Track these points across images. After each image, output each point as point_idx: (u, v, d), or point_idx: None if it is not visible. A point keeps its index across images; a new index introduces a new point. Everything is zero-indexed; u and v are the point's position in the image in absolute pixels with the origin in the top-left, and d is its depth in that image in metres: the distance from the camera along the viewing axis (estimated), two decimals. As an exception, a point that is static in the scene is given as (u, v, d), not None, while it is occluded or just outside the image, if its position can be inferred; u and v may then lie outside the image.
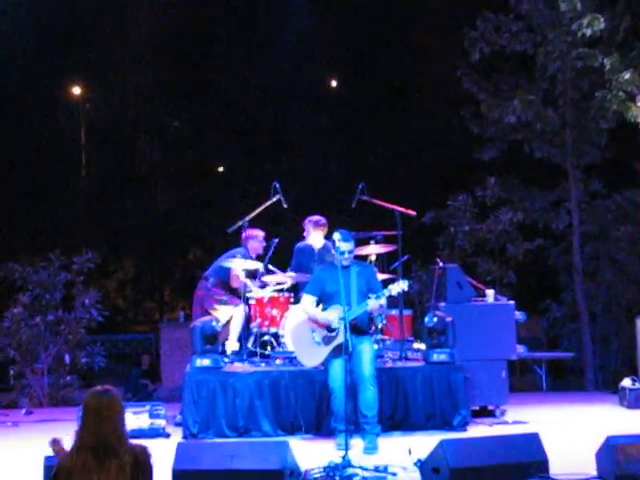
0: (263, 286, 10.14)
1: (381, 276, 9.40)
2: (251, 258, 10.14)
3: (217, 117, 22.14)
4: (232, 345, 9.94)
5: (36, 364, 13.06)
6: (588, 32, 13.05)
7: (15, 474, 6.51)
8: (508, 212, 15.58)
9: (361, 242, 9.68)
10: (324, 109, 22.21)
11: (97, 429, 4.34)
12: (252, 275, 10.15)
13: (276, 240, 10.28)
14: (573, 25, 13.27)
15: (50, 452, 4.50)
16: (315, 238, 10.36)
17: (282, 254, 10.52)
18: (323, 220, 10.41)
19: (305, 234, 10.53)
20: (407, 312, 10.50)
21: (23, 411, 11.59)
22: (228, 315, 9.97)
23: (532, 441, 6.58)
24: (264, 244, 10.35)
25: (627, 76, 12.95)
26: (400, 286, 8.15)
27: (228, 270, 10.06)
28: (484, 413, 9.93)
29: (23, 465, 7.07)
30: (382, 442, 8.08)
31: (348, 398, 7.68)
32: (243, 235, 10.26)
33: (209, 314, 9.94)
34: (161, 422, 9.01)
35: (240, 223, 10.05)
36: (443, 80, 18.20)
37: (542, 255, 16.36)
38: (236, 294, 10.15)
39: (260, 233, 10.38)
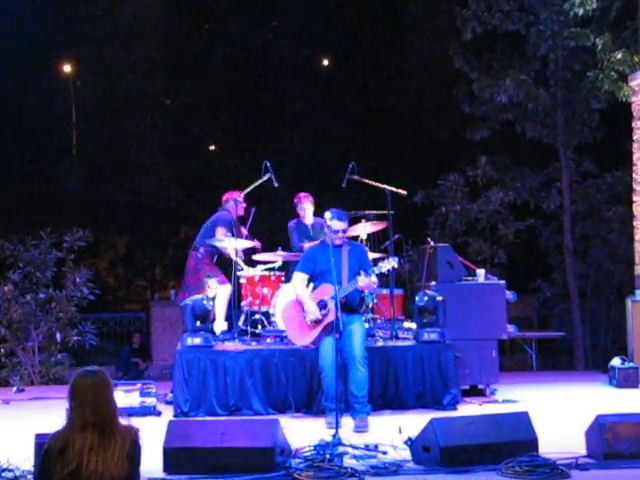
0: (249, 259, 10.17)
1: (372, 255, 9.41)
2: (232, 220, 10.11)
3: (209, 95, 22.07)
4: (220, 325, 9.96)
5: (27, 342, 13.05)
6: (580, 12, 13.03)
7: (6, 452, 6.51)
8: (499, 192, 15.62)
9: (352, 221, 9.68)
10: (316, 88, 22.15)
11: (97, 407, 4.36)
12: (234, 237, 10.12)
13: (253, 210, 10.26)
14: (565, 4, 13.24)
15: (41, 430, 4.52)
16: (301, 211, 10.44)
17: (274, 234, 10.52)
18: (304, 193, 10.51)
19: (299, 211, 10.55)
20: (398, 291, 10.51)
21: (14, 389, 11.59)
22: (214, 291, 9.99)
23: (522, 420, 6.61)
24: (244, 205, 10.34)
25: (619, 56, 12.94)
26: (390, 263, 8.16)
27: (213, 234, 10.11)
28: (474, 392, 9.95)
29: (14, 443, 7.07)
30: (372, 421, 8.10)
31: (339, 377, 7.68)
32: (223, 198, 10.31)
33: (201, 285, 9.98)
34: (152, 400, 9.02)
35: (231, 201, 10.08)
36: (435, 59, 18.18)
37: (533, 235, 16.43)
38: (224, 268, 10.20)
39: (239, 194, 10.36)
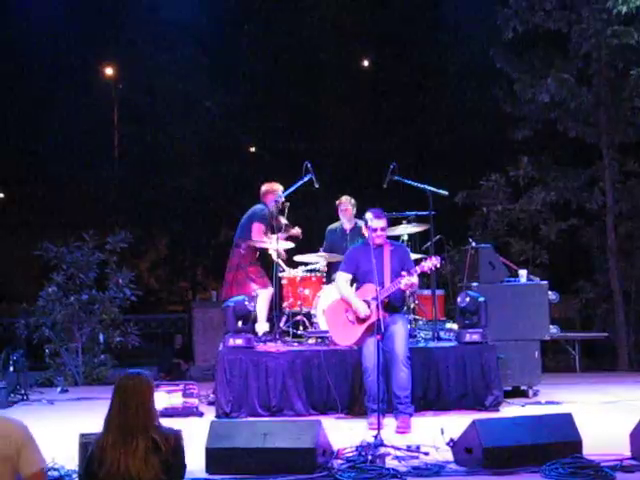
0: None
1: (413, 256, 9.38)
2: (268, 214, 10.13)
3: (249, 96, 22.12)
4: (262, 327, 9.98)
5: (71, 343, 13.18)
6: (624, 9, 12.88)
7: (51, 451, 6.57)
8: (541, 192, 15.51)
9: (393, 222, 9.67)
10: (356, 88, 22.13)
11: (124, 410, 4.41)
12: (273, 229, 10.13)
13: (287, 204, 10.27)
14: (608, 2, 13.10)
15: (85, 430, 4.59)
16: (347, 216, 10.40)
17: (315, 235, 10.53)
18: (344, 201, 10.45)
19: (339, 214, 10.57)
20: (440, 292, 10.50)
21: (58, 389, 11.72)
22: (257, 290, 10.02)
23: (565, 421, 6.56)
24: (282, 200, 10.31)
25: (663, 53, 12.80)
26: (432, 263, 8.14)
27: (250, 229, 10.09)
28: (517, 394, 9.90)
29: (59, 442, 7.13)
30: (414, 422, 8.08)
31: (381, 377, 7.68)
32: (262, 190, 10.30)
33: (239, 282, 10.03)
34: (194, 401, 9.08)
35: (270, 195, 10.09)
36: (476, 59, 18.08)
37: (575, 235, 16.30)
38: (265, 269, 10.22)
39: (277, 186, 10.33)
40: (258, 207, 10.25)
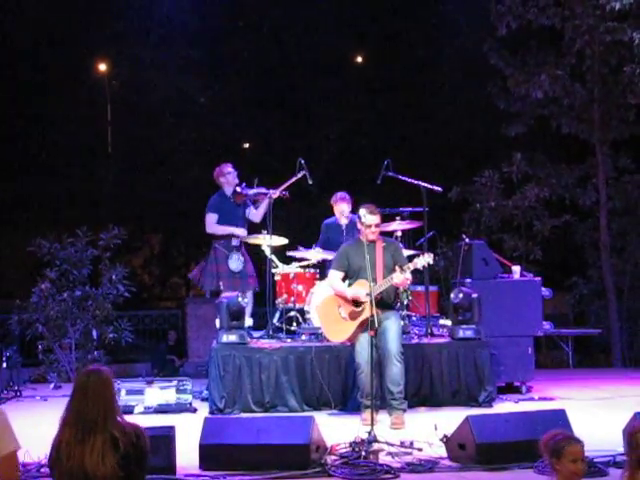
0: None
1: (407, 252, 9.39)
2: (220, 199, 10.30)
3: (243, 93, 22.09)
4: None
5: (64, 339, 13.14)
6: (617, 6, 12.91)
7: (44, 448, 6.56)
8: (534, 188, 15.51)
9: (387, 218, 9.66)
10: (350, 84, 22.11)
11: (80, 406, 4.40)
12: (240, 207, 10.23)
13: (256, 180, 10.27)
14: (601, -1, 13.13)
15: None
16: (337, 212, 10.36)
17: (309, 231, 10.50)
18: (342, 194, 10.40)
19: (335, 210, 10.52)
20: (433, 288, 10.50)
21: (51, 386, 11.70)
22: None
23: (559, 417, 6.59)
24: (235, 172, 10.36)
25: (656, 50, 12.81)
26: (425, 259, 8.14)
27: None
28: (510, 389, 9.92)
29: (51, 439, 7.12)
30: (408, 418, 8.10)
31: (374, 373, 7.69)
32: (214, 175, 10.39)
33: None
34: (188, 397, 9.08)
35: (266, 199, 10.07)
36: (470, 55, 18.08)
37: (569, 231, 16.31)
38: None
39: (224, 166, 10.41)
40: (216, 196, 10.37)
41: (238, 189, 10.15)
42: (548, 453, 4.41)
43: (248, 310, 10.05)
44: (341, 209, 10.28)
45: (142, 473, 4.45)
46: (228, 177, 10.31)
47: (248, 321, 9.96)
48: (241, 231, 10.20)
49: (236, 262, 10.17)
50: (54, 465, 4.44)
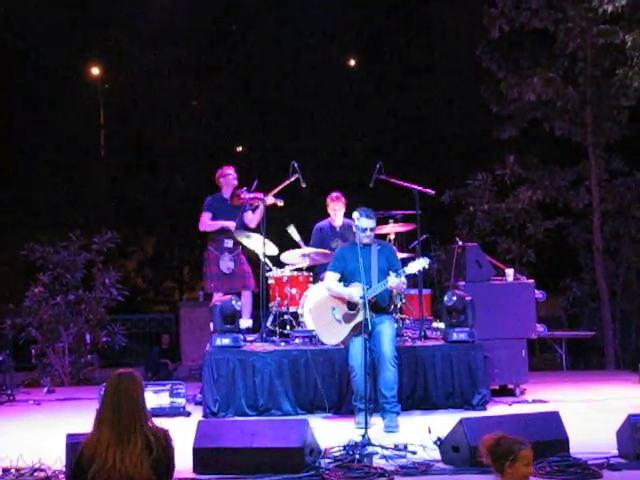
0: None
1: (400, 255, 9.39)
2: (214, 200, 10.41)
3: (235, 96, 22.11)
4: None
5: (57, 343, 13.14)
6: (609, 8, 12.90)
7: (38, 452, 6.56)
8: (527, 191, 15.52)
9: (380, 221, 9.66)
10: (343, 87, 22.14)
11: (118, 409, 4.40)
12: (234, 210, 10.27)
13: (256, 182, 10.29)
14: (594, 1, 13.12)
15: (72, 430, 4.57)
16: (332, 212, 10.35)
17: (303, 234, 10.48)
18: (337, 194, 10.39)
19: (329, 211, 10.49)
20: (426, 291, 10.48)
21: (45, 390, 11.66)
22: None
23: (552, 420, 6.58)
24: (235, 175, 10.46)
25: (649, 53, 12.80)
26: (420, 264, 8.15)
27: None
28: (504, 392, 9.92)
29: (45, 443, 7.12)
30: (402, 421, 8.09)
31: (368, 377, 7.69)
32: (216, 175, 10.48)
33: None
34: (181, 401, 9.06)
35: (259, 202, 10.06)
36: (462, 58, 18.10)
37: (562, 234, 16.32)
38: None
39: (225, 169, 10.51)
40: (213, 197, 10.50)
41: (238, 192, 10.17)
42: (498, 456, 4.43)
43: (247, 311, 10.05)
44: (335, 208, 10.29)
45: (169, 478, 4.48)
46: (227, 178, 10.39)
47: (247, 322, 9.96)
48: (230, 223, 10.21)
49: (227, 263, 10.19)
50: (87, 463, 4.38)
